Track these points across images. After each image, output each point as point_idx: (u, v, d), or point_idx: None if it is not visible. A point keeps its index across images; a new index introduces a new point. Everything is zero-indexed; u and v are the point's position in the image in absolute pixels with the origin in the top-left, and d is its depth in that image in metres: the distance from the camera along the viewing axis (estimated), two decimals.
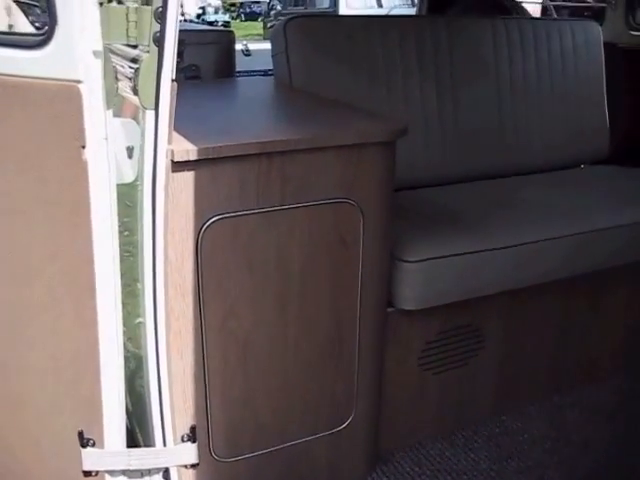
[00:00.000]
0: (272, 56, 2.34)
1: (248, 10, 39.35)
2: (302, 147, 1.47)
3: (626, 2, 3.01)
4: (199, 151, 1.37)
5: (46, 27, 1.31)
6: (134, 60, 1.36)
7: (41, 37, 1.32)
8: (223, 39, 2.57)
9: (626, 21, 3.02)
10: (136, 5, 1.31)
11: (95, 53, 1.31)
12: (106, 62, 1.32)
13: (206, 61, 2.54)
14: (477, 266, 1.89)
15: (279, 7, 17.83)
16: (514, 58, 2.67)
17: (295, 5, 16.47)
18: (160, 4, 1.28)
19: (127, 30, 1.32)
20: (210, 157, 1.39)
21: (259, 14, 27.48)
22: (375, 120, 1.67)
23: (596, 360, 2.36)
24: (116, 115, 1.42)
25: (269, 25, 18.00)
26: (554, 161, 2.78)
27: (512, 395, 2.22)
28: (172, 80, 1.35)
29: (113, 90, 1.36)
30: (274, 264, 1.55)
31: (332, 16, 2.67)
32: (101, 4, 1.28)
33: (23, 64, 1.35)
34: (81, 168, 1.36)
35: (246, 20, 37.01)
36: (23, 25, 2.22)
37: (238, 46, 4.04)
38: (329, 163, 1.52)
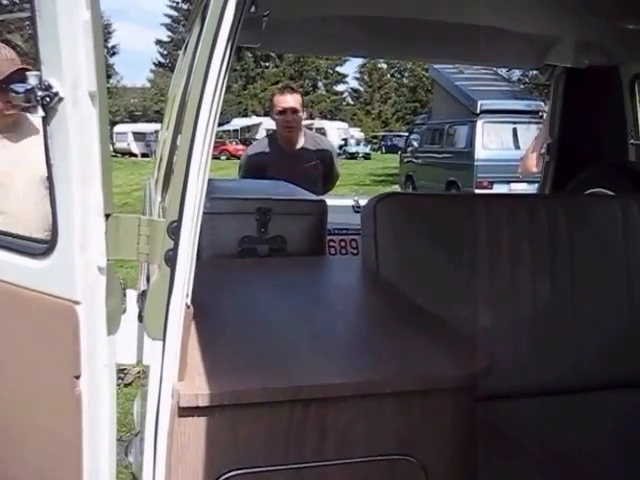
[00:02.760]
0: (361, 236, 2.09)
1: (389, 143, 40.64)
2: (347, 394, 1.16)
3: None
4: (212, 397, 1.09)
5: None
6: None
7: (45, 245, 1.13)
8: (314, 210, 2.36)
9: None
10: (148, 217, 1.09)
11: (99, 269, 1.09)
12: (111, 279, 1.10)
13: (294, 233, 2.32)
14: None
15: (416, 144, 17.99)
16: None
17: (432, 143, 16.59)
18: (175, 217, 1.06)
19: (138, 245, 1.09)
20: (226, 404, 1.11)
21: (400, 147, 28.10)
22: (452, 355, 1.32)
23: None
24: None
25: (405, 161, 18.19)
26: None
27: None
28: (187, 306, 1.10)
29: (119, 311, 1.13)
30: None
31: (429, 195, 2.41)
32: (108, 216, 1.07)
33: (24, 273, 1.15)
34: (74, 401, 1.12)
35: (386, 152, 38.11)
36: None
37: (349, 202, 3.85)
38: (383, 412, 1.19)
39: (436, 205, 2.10)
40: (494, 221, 2.08)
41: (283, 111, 3.67)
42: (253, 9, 1.10)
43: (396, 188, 18.77)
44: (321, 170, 3.82)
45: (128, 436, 2.68)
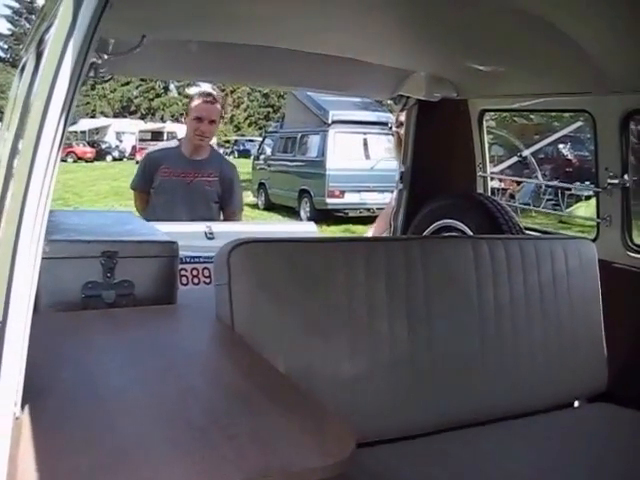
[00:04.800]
0: (215, 285, 1.98)
1: (242, 148, 40.46)
2: None
3: (622, 221, 2.70)
4: None
5: None
6: None
7: None
8: (164, 251, 2.20)
9: (623, 242, 2.70)
10: None
11: None
12: None
13: (143, 277, 2.16)
14: None
15: (269, 151, 18.03)
16: (499, 284, 2.32)
17: (285, 151, 16.67)
18: None
19: None
20: None
21: (252, 153, 28.05)
22: (320, 442, 1.24)
23: None
24: None
25: (258, 168, 18.15)
26: (544, 399, 2.37)
27: None
28: (16, 418, 0.95)
29: None
30: None
31: (287, 240, 2.32)
32: None
33: None
34: None
35: (239, 157, 37.90)
36: None
37: (201, 227, 3.71)
38: None
39: (293, 250, 2.03)
40: (351, 265, 2.04)
41: (200, 119, 3.64)
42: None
43: (249, 194, 18.69)
44: (217, 190, 3.75)
45: None
